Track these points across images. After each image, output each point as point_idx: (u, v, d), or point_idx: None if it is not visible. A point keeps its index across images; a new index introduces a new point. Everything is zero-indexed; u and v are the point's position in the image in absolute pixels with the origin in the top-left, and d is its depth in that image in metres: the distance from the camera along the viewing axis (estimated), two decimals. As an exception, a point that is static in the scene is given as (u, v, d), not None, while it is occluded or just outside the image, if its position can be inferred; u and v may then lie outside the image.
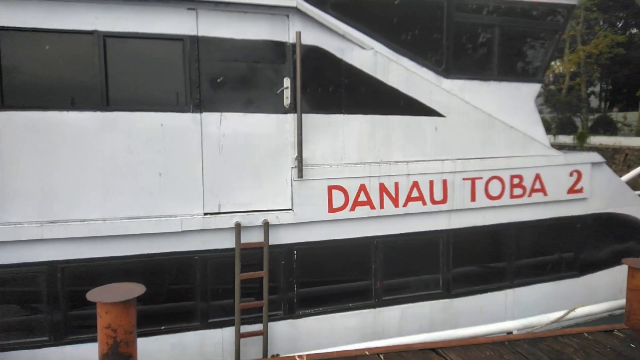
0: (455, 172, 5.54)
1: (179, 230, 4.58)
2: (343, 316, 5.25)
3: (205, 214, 4.70)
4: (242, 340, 4.77)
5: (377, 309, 5.37)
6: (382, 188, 5.26)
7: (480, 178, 5.64)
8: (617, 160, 27.35)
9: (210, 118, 4.67)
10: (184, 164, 4.61)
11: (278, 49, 4.84)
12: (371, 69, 5.19)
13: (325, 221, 5.09)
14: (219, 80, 4.68)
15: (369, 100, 5.23)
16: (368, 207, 5.22)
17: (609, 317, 5.22)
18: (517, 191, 5.75)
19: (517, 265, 5.90)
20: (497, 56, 5.81)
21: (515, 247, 5.87)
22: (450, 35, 5.51)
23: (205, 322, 4.81)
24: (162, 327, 4.69)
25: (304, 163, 4.95)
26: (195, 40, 4.56)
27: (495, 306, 5.80)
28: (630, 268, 4.61)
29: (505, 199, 5.73)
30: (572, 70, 37.00)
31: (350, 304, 5.29)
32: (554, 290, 6.02)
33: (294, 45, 4.77)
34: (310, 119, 4.99)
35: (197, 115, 4.62)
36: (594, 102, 42.99)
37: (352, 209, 5.16)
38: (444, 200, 5.52)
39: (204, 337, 4.79)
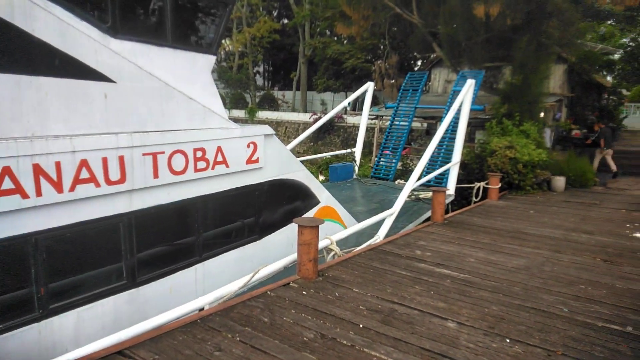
0: (133, 146, 4.90)
1: None
2: (-10, 345, 3.93)
3: None
4: None
5: (44, 322, 4.28)
6: (38, 170, 4.11)
7: (163, 152, 5.21)
8: (280, 132, 32.21)
9: None
10: None
11: None
12: (6, 13, 3.87)
13: None
14: None
15: (6, 55, 3.92)
16: (18, 196, 3.99)
17: (285, 271, 5.84)
18: (201, 164, 5.64)
19: (205, 238, 5.87)
20: (170, 21, 5.41)
21: (202, 221, 5.81)
22: None
23: None
24: None
25: None
26: None
27: (186, 284, 5.62)
28: (299, 226, 5.22)
29: (190, 173, 5.52)
30: (240, 49, 40.81)
31: (1, 325, 4.01)
32: (240, 257, 6.33)
33: None
34: None
35: None
36: (260, 80, 49.10)
37: None
38: (122, 180, 4.82)
39: None
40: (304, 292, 4.99)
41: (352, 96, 14.40)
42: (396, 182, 13.21)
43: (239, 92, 39.50)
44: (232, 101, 38.62)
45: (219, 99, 6.08)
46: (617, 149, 20.41)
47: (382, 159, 14.37)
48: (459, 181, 12.34)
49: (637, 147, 21.15)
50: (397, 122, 14.69)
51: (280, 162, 6.91)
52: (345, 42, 35.85)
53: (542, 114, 15.81)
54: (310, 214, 7.55)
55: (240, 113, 36.03)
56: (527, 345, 3.95)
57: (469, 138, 17.14)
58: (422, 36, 16.77)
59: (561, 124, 18.82)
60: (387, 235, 7.77)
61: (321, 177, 20.04)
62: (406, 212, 10.02)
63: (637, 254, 6.98)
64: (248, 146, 6.23)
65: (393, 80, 23.95)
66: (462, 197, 13.01)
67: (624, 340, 4.10)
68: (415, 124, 23.91)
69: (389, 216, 8.01)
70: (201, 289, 5.73)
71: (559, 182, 13.44)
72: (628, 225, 9.07)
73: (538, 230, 8.44)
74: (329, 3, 28.73)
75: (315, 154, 22.47)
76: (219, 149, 5.82)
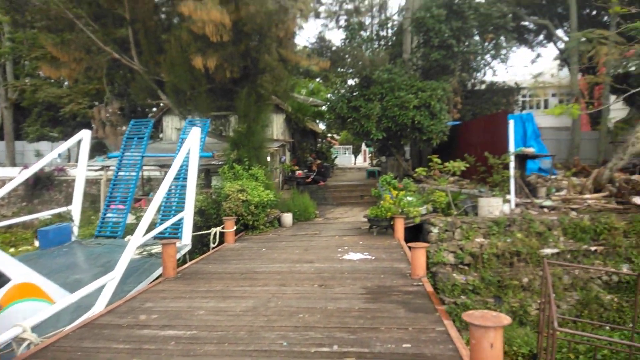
0: None
1: None
2: None
3: None
4: None
5: None
6: None
7: None
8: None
9: None
10: None
11: None
12: None
13: None
14: None
15: None
16: None
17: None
18: None
19: None
20: None
21: None
22: None
23: None
24: None
25: None
26: None
27: None
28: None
29: None
30: None
31: None
32: None
33: None
34: None
35: None
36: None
37: None
38: None
39: None
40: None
41: (63, 146, 12.53)
42: (126, 239, 11.97)
43: None
44: None
45: None
46: (331, 183, 24.23)
47: (108, 214, 12.88)
48: (198, 228, 12.10)
49: (346, 182, 25.57)
50: (123, 173, 13.53)
51: None
52: (65, 85, 31.73)
53: (269, 158, 17.32)
54: (-5, 297, 5.87)
55: None
56: (246, 397, 3.81)
57: (206, 184, 17.32)
58: (146, 83, 16.21)
59: (285, 165, 21.09)
60: (110, 304, 6.73)
61: (37, 243, 16.67)
62: (136, 271, 9.08)
63: (344, 275, 8.04)
64: None
65: (118, 128, 22.34)
66: (203, 244, 12.79)
67: (331, 362, 4.43)
68: (155, 173, 22.82)
69: (110, 281, 7.00)
70: None
71: (287, 218, 14.80)
72: (339, 249, 10.52)
73: (268, 267, 8.84)
74: (36, 42, 25.07)
75: (29, 214, 18.59)
76: None
